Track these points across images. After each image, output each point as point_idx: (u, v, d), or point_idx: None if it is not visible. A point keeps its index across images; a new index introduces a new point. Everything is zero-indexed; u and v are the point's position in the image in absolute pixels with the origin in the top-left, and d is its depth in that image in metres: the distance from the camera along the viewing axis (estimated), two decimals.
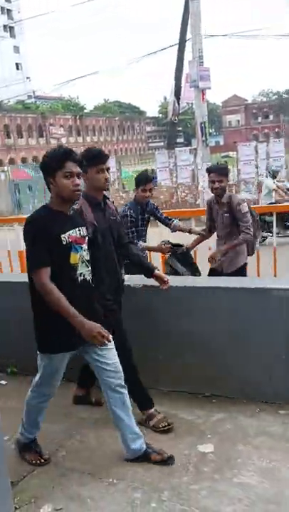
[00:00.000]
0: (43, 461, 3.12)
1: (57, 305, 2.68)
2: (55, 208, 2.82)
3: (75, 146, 67.20)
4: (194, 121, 16.74)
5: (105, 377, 2.91)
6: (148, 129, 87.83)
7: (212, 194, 4.71)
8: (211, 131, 36.42)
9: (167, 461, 2.98)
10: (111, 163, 20.80)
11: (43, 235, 2.70)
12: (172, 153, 18.12)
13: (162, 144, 58.67)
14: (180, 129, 57.69)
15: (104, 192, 3.38)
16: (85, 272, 2.87)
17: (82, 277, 2.85)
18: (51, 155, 2.77)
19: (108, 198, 3.45)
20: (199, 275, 4.73)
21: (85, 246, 2.87)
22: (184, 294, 3.70)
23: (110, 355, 2.90)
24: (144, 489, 2.78)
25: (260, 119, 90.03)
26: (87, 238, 2.90)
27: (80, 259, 2.83)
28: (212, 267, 4.71)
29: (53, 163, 2.75)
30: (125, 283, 3.66)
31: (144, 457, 3.00)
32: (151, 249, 4.82)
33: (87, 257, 2.89)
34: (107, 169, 3.27)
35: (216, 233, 4.87)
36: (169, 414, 3.44)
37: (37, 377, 3.02)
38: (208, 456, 3.02)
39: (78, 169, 2.78)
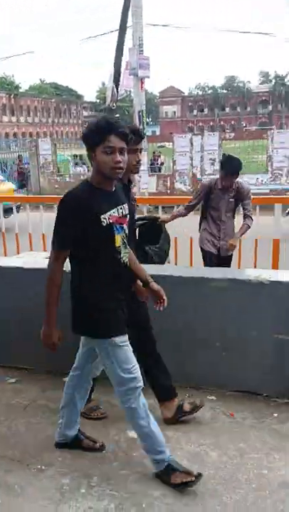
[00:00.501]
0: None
1: (50, 292, 2.54)
2: (95, 184, 2.53)
3: (8, 126, 65.16)
4: (132, 110, 16.67)
5: None
6: (85, 113, 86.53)
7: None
8: (148, 120, 36.46)
9: (99, 448, 2.97)
10: (45, 146, 20.52)
11: (79, 215, 2.45)
12: None
13: None
14: (118, 116, 57.36)
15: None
16: (124, 254, 2.62)
17: (123, 260, 2.62)
18: (93, 127, 2.48)
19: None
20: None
21: (125, 226, 2.63)
22: None
23: None
24: (73, 475, 2.76)
25: (195, 112, 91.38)
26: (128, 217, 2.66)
27: (122, 241, 2.60)
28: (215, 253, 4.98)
29: (94, 137, 2.46)
30: None
31: (75, 444, 2.98)
32: None
33: (126, 239, 2.65)
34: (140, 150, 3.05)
35: (211, 216, 5.00)
36: (101, 401, 3.43)
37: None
38: (137, 441, 3.04)
39: (122, 144, 2.47)
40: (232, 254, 5.11)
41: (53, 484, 2.70)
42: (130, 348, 2.63)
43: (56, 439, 3.01)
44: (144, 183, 14.41)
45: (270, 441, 3.02)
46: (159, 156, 20.80)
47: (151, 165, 18.38)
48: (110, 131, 2.42)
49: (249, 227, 4.86)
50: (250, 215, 4.89)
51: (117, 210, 2.56)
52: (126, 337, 2.61)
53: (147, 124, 19.18)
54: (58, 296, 2.55)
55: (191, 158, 16.98)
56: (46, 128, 69.48)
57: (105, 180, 2.53)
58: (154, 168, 19.24)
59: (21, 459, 2.92)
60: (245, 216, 4.89)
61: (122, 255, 2.60)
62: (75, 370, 2.92)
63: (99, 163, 2.47)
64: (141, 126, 15.67)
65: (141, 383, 2.63)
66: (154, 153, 20.19)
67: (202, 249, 5.13)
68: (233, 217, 5.04)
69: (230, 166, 4.78)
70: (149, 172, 17.14)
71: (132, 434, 3.10)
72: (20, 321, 3.87)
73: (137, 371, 2.62)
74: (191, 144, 16.94)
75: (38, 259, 4.47)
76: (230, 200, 4.90)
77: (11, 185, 14.66)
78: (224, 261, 5.01)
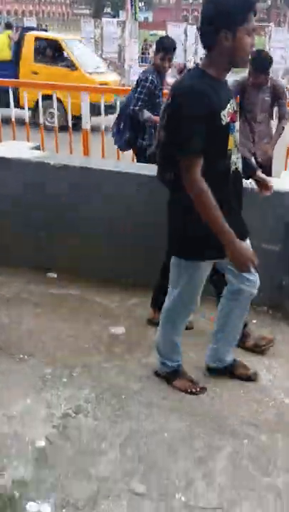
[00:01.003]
0: (198, 390, 2.69)
1: (208, 213, 2.13)
2: (215, 74, 2.15)
3: None
4: None
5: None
6: None
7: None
8: (140, 5, 33.88)
9: (251, 377, 2.80)
10: (30, 24, 19.03)
11: (204, 112, 2.07)
12: (99, 23, 16.74)
13: (88, 11, 54.03)
14: None
15: None
16: (236, 159, 2.29)
17: (234, 166, 2.30)
18: (232, 1, 2.03)
19: None
20: None
21: (237, 125, 2.30)
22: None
23: None
24: (56, 365, 2.84)
25: (191, 0, 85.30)
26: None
27: (234, 143, 2.27)
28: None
29: (237, 14, 2.03)
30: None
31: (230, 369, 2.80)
32: (156, 120, 4.25)
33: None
34: None
35: (245, 117, 4.71)
36: (85, 299, 3.48)
37: (175, 293, 2.52)
38: (119, 337, 3.12)
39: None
40: (271, 160, 4.80)
41: (36, 373, 2.78)
42: None
43: (210, 364, 2.81)
44: (133, 74, 13.65)
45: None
46: (151, 46, 19.59)
47: (142, 54, 17.35)
48: (252, 7, 2.07)
49: (283, 128, 4.66)
50: (287, 115, 4.66)
51: (231, 105, 2.22)
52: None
53: (139, 9, 17.84)
54: (219, 209, 2.13)
55: (185, 50, 16.01)
56: (32, 6, 64.10)
57: (227, 69, 2.19)
58: (146, 58, 18.17)
59: (4, 348, 2.98)
60: (281, 117, 4.66)
61: (231, 162, 2.27)
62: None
63: (238, 47, 2.08)
64: (132, 11, 14.61)
65: None
66: (145, 40, 18.98)
67: None
68: (271, 118, 4.76)
69: (259, 61, 4.43)
70: (139, 62, 16.20)
71: (115, 330, 3.18)
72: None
73: None
74: (186, 34, 15.87)
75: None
76: (266, 98, 4.58)
77: (116, 76, 12.78)
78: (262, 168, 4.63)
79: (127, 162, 5.10)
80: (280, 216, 3.30)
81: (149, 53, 19.01)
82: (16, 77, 10.54)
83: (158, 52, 4.37)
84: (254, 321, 3.33)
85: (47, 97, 6.63)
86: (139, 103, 4.32)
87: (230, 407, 2.60)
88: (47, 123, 7.69)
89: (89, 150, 6.37)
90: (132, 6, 14.76)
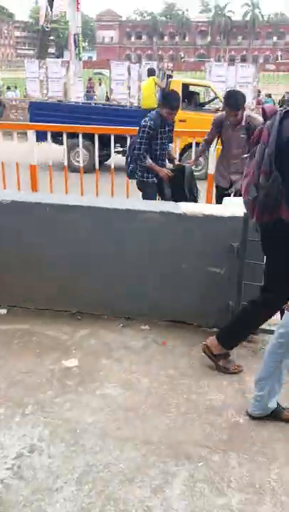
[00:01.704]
0: None
1: None
2: None
3: None
4: (67, 32, 15.79)
5: None
6: (17, 34, 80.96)
7: None
8: (84, 45, 34.70)
9: None
10: None
11: None
12: (43, 63, 17.02)
13: (33, 52, 54.78)
14: (52, 38, 54.08)
15: None
16: None
17: None
18: None
19: None
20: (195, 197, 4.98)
21: None
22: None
23: None
24: (8, 404, 2.78)
25: (133, 39, 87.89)
26: None
27: None
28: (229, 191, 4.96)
29: None
30: None
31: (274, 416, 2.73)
32: (153, 168, 5.12)
33: None
34: None
35: (225, 152, 4.99)
36: (35, 332, 3.44)
37: None
38: (72, 370, 3.10)
39: None
40: None
41: None
42: None
43: (252, 413, 2.72)
44: None
45: (199, 368, 3.16)
46: (95, 83, 20.04)
47: (87, 92, 17.69)
48: None
49: None
50: None
51: None
52: None
53: (83, 48, 18.26)
54: None
55: (129, 88, 16.45)
56: None
57: None
58: (91, 97, 18.53)
59: None
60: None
61: None
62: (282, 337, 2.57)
63: None
64: (76, 51, 14.93)
65: None
66: (89, 79, 19.40)
67: (216, 187, 5.18)
68: (244, 152, 4.90)
69: (231, 101, 4.69)
70: (84, 99, 16.53)
71: (67, 362, 3.16)
72: None
73: None
74: (129, 72, 16.35)
75: None
76: (242, 135, 4.75)
77: None
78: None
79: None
80: (224, 239, 3.40)
81: (94, 91, 19.43)
82: None
83: (164, 107, 5.02)
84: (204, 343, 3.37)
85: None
86: (142, 147, 5.05)
87: (185, 431, 2.61)
88: None
89: None
90: (75, 46, 15.08)
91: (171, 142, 5.51)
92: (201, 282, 3.51)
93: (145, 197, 5.14)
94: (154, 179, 5.21)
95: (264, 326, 3.20)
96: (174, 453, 2.45)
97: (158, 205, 3.77)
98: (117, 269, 3.58)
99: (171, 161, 5.41)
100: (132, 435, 2.57)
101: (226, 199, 4.09)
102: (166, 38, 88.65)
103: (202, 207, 3.71)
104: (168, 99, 5.05)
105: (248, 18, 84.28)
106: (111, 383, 2.96)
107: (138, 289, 3.62)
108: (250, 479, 2.32)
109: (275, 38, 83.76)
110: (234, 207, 3.54)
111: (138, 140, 5.07)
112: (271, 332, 3.02)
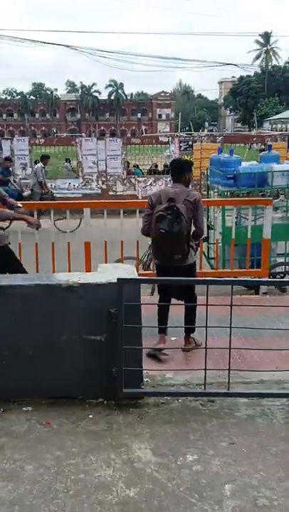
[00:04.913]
0: None
1: None
2: None
3: None
4: None
5: None
6: None
7: None
8: None
9: None
10: None
11: None
12: None
13: None
14: None
15: None
16: None
17: None
18: None
19: None
20: None
21: None
22: None
23: None
24: None
25: (4, 117, 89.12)
26: None
27: None
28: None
29: None
30: None
31: None
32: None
33: None
34: None
35: None
36: None
37: None
38: None
39: None
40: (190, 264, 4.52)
41: None
42: None
43: None
44: None
45: (86, 443, 2.99)
46: None
47: None
48: None
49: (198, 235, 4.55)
50: (199, 225, 4.43)
51: None
52: None
53: None
54: None
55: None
56: None
57: None
58: None
59: None
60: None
61: None
62: None
63: None
64: None
65: None
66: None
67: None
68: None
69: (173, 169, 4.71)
70: None
71: None
72: None
73: None
74: (1, 148, 16.40)
75: None
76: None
77: None
78: (177, 270, 4.30)
79: None
80: (102, 307, 3.37)
81: None
82: None
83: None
84: (90, 416, 3.24)
85: None
86: None
87: None
88: None
89: None
90: None
91: None
92: (82, 352, 3.41)
93: None
94: None
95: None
96: None
97: (32, 278, 3.68)
98: None
99: None
100: None
101: (100, 265, 4.09)
102: (37, 115, 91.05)
103: (78, 275, 3.67)
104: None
105: (112, 97, 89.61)
106: None
107: (15, 367, 3.41)
108: None
109: (139, 115, 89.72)
110: (109, 273, 3.56)
111: None
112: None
